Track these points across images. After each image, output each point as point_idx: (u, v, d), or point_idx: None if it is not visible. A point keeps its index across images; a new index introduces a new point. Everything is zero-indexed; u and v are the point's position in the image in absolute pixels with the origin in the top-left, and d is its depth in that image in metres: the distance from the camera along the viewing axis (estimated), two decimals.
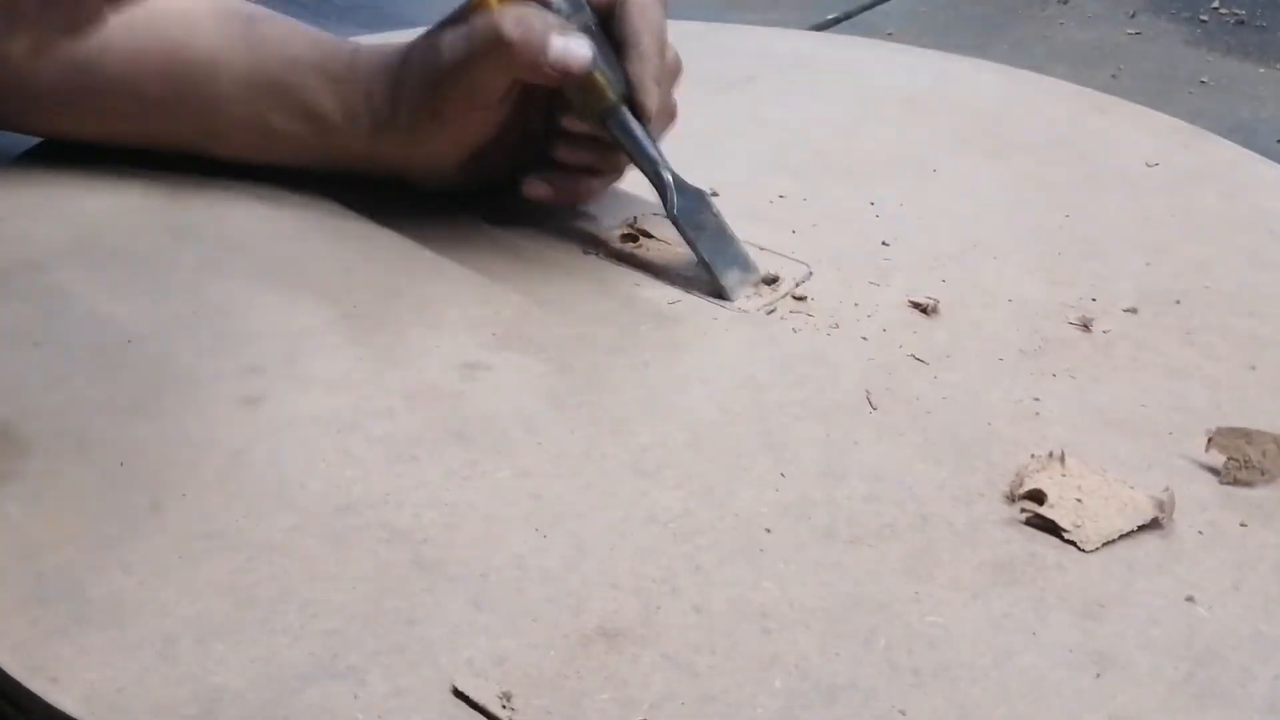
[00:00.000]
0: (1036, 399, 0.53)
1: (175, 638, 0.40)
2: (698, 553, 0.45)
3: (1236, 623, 0.43)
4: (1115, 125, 0.78)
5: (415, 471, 0.48)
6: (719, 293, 0.58)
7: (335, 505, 0.46)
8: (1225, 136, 0.78)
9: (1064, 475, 0.48)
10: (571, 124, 0.60)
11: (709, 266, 0.59)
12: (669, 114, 0.62)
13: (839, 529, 0.46)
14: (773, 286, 0.59)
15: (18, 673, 0.39)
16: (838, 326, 0.57)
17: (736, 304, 0.58)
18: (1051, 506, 0.46)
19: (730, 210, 0.62)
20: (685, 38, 0.86)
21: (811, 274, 0.60)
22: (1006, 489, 0.47)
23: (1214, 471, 0.50)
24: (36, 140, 0.67)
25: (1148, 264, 0.63)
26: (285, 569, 0.43)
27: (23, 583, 0.42)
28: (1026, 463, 0.48)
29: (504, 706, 0.38)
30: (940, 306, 0.58)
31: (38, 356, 0.52)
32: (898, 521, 0.46)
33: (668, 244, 0.61)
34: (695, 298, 0.58)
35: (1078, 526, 0.46)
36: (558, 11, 0.57)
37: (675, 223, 0.59)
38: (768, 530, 0.46)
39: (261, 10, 0.64)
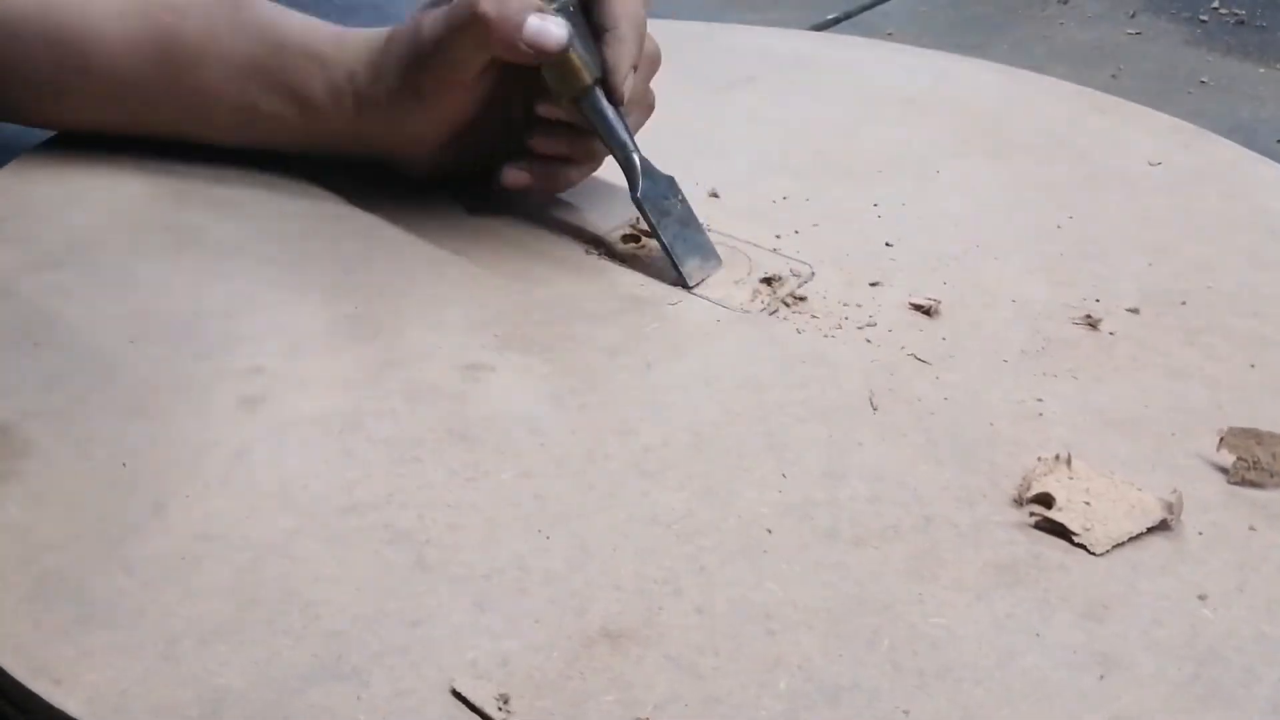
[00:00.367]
0: (1039, 399, 0.53)
1: (178, 639, 0.40)
2: (700, 554, 0.45)
3: (1240, 624, 0.43)
4: (1116, 125, 0.78)
5: (417, 472, 0.47)
6: (678, 280, 0.59)
7: (337, 506, 0.46)
8: (1225, 136, 0.77)
9: (1071, 478, 0.47)
10: (548, 111, 0.61)
11: (669, 251, 0.59)
12: (646, 105, 0.63)
13: (842, 530, 0.46)
14: (775, 287, 0.59)
15: (20, 674, 0.39)
16: (840, 327, 0.57)
17: (739, 304, 0.58)
18: (1060, 510, 0.46)
19: (732, 210, 0.63)
20: (686, 38, 0.87)
21: (814, 274, 0.60)
22: (1015, 493, 0.47)
23: (1221, 470, 0.50)
24: (36, 141, 0.67)
25: (1149, 264, 0.63)
26: (287, 570, 0.43)
27: (24, 584, 0.42)
28: (1033, 466, 0.48)
29: (500, 709, 0.38)
30: (942, 307, 0.58)
31: (39, 357, 0.52)
32: (901, 522, 0.46)
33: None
34: (697, 298, 0.58)
35: (1087, 530, 0.45)
36: None
37: (639, 206, 0.59)
38: (770, 531, 0.46)
39: None
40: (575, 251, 0.61)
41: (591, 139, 0.61)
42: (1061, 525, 0.46)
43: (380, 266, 0.59)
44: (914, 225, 0.65)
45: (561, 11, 0.58)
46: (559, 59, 0.57)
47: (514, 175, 0.62)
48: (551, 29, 0.56)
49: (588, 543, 0.45)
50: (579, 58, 0.58)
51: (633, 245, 0.62)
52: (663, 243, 0.59)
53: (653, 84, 0.63)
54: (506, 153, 0.63)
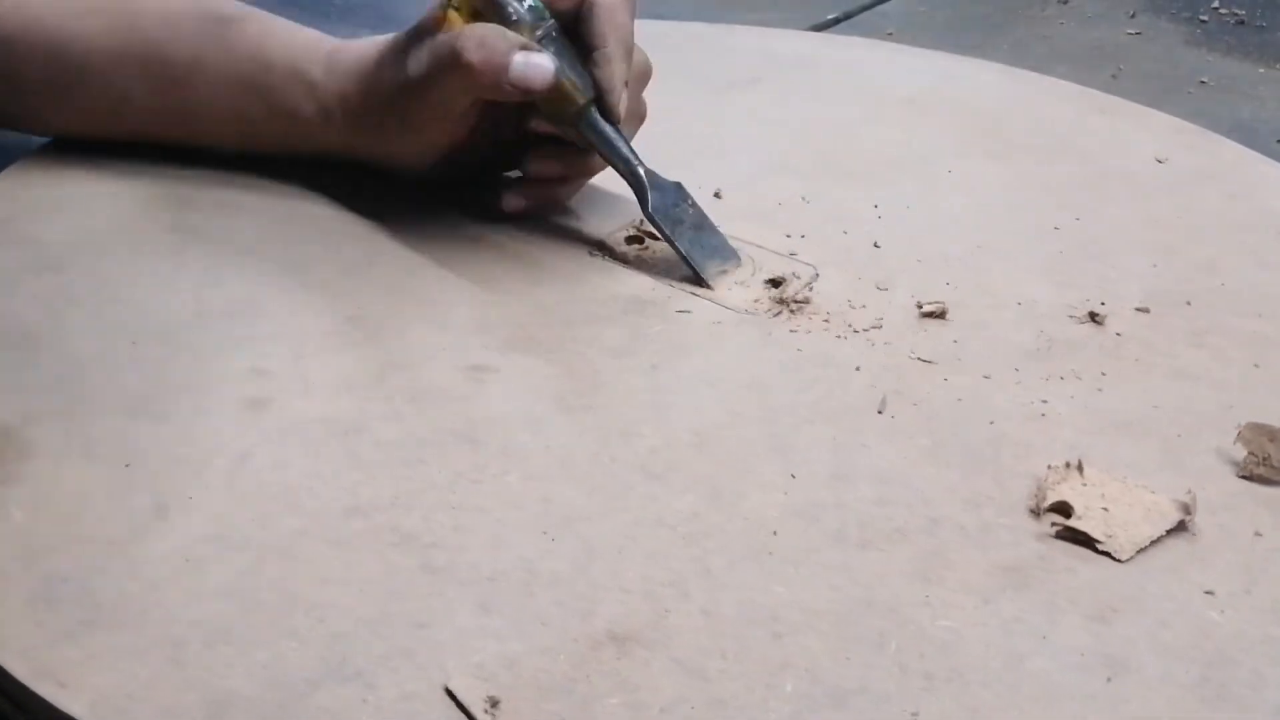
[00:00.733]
0: (1045, 401, 0.53)
1: (183, 642, 0.40)
2: (707, 556, 0.45)
3: (1248, 626, 0.43)
4: (1119, 126, 0.78)
5: (422, 475, 0.47)
6: (700, 282, 0.59)
7: (342, 508, 0.46)
8: (1225, 136, 0.78)
9: (1085, 485, 0.47)
10: (539, 125, 0.61)
11: (686, 259, 0.59)
12: (639, 115, 0.62)
13: (849, 532, 0.46)
14: (779, 289, 0.59)
15: (25, 677, 0.39)
16: (845, 328, 0.57)
17: (744, 306, 0.58)
18: (1080, 518, 0.46)
19: (735, 212, 0.62)
20: (688, 39, 0.87)
21: (818, 275, 0.60)
22: (1030, 503, 0.47)
23: (1233, 464, 0.50)
24: (38, 144, 0.67)
25: (1154, 265, 0.63)
26: (293, 572, 0.43)
27: (29, 586, 0.42)
28: (1045, 474, 0.48)
29: (486, 712, 0.38)
30: (947, 308, 0.58)
31: (43, 358, 0.52)
32: (907, 525, 0.46)
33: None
34: (702, 299, 0.58)
35: (1110, 537, 0.45)
36: (520, 21, 0.57)
37: (651, 220, 0.59)
38: (777, 533, 0.46)
39: (241, 10, 0.64)
40: (579, 253, 0.61)
41: (586, 154, 0.61)
42: (1085, 534, 0.45)
43: (383, 268, 0.59)
44: (917, 226, 0.65)
45: (545, 38, 0.58)
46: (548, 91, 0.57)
47: (513, 202, 0.62)
48: (536, 68, 0.56)
49: (593, 545, 0.45)
50: (569, 82, 0.58)
51: (636, 246, 0.62)
52: (680, 251, 0.59)
53: (653, 85, 0.62)
54: (501, 162, 0.63)
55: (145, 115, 0.64)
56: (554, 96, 0.58)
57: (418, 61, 0.58)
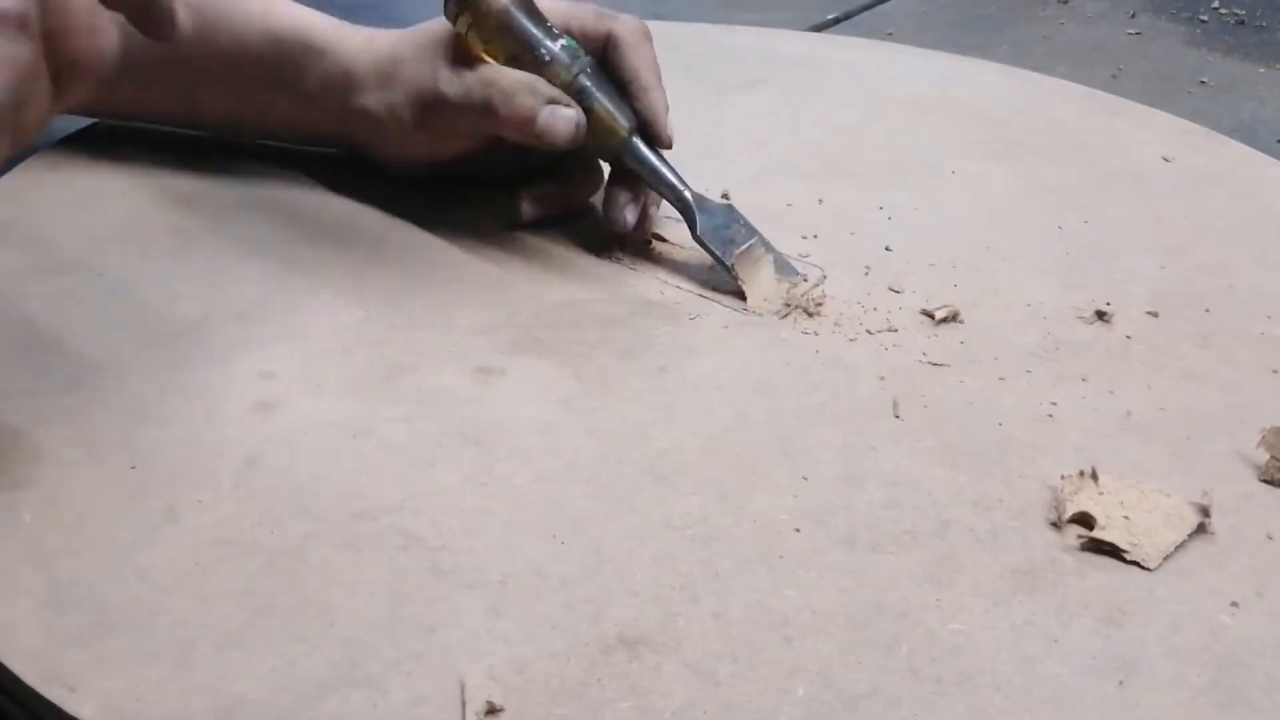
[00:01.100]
0: (1053, 403, 0.53)
1: (192, 645, 0.40)
2: (716, 559, 0.44)
3: (1261, 629, 0.43)
4: (1124, 127, 0.78)
5: (431, 477, 0.47)
6: (752, 307, 0.58)
7: (351, 511, 0.45)
8: (1225, 136, 0.78)
9: (1101, 493, 0.47)
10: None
11: (739, 280, 0.59)
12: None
13: (859, 535, 0.46)
14: (787, 291, 0.59)
15: (35, 681, 0.39)
16: (853, 330, 0.57)
17: (751, 308, 0.58)
18: (1103, 529, 0.45)
19: (743, 214, 0.62)
20: (692, 40, 0.87)
21: (825, 277, 0.60)
22: (1052, 515, 0.47)
23: (1247, 465, 0.50)
24: (42, 145, 0.67)
25: (1162, 267, 0.63)
26: (302, 576, 0.43)
27: (38, 590, 0.42)
28: (1060, 485, 0.48)
29: (478, 715, 0.38)
30: (955, 310, 0.58)
31: (49, 362, 0.52)
32: (918, 528, 0.46)
33: (682, 247, 0.61)
34: (710, 301, 0.58)
35: (1135, 545, 0.45)
36: (554, 62, 0.58)
37: (700, 243, 0.59)
38: (787, 537, 0.45)
39: None
40: (587, 255, 0.61)
41: (585, 176, 0.63)
42: (1112, 545, 0.45)
43: (391, 270, 0.59)
44: (924, 228, 0.65)
45: (582, 73, 0.58)
46: (590, 125, 0.58)
47: (530, 212, 0.63)
48: (563, 120, 0.57)
49: (603, 548, 0.45)
50: (609, 114, 0.58)
51: (644, 248, 0.61)
52: (732, 273, 0.59)
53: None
54: (506, 161, 0.63)
55: (145, 82, 0.63)
56: (597, 130, 0.58)
57: (450, 84, 0.58)
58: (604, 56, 0.60)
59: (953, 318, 0.57)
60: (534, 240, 0.62)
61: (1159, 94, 1.07)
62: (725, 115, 0.77)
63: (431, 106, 0.59)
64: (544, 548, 0.44)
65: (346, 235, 0.61)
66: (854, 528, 0.46)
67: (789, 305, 0.58)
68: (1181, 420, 0.52)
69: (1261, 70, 1.17)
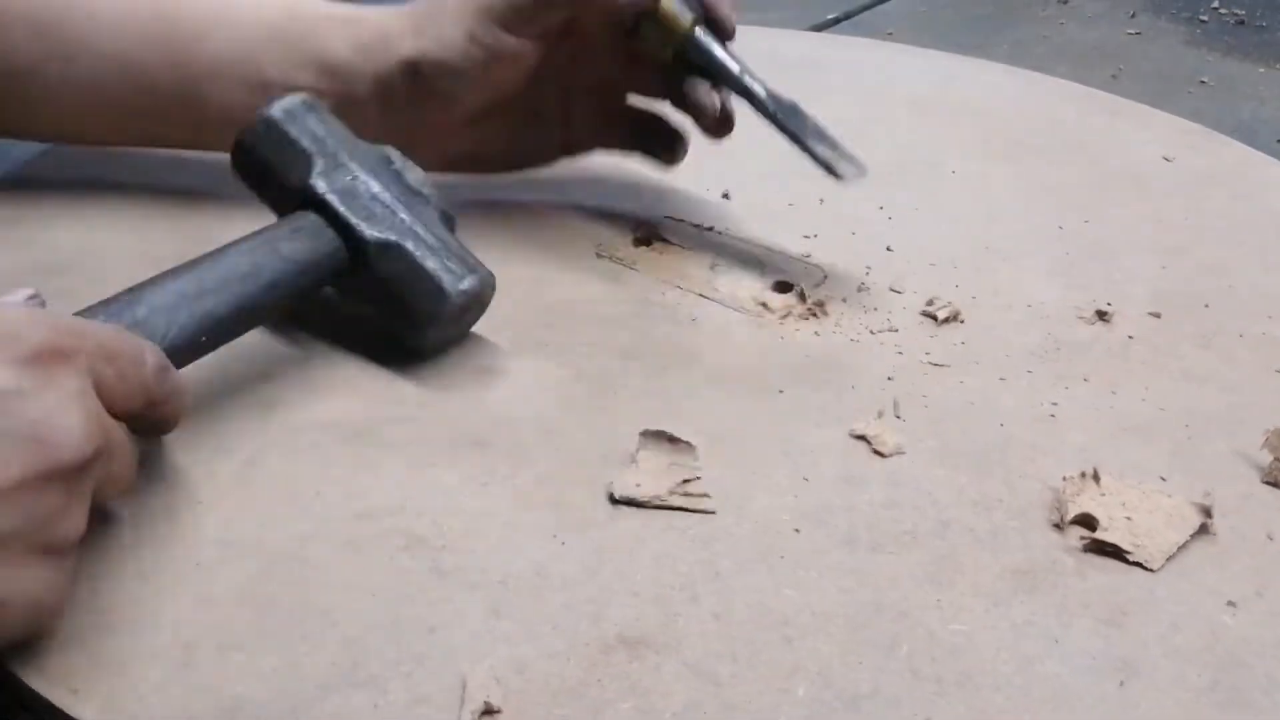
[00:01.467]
0: (1054, 404, 0.53)
1: (194, 646, 0.40)
2: (717, 559, 0.44)
3: (1260, 629, 0.43)
4: (1125, 127, 0.78)
5: (431, 478, 0.47)
6: (833, 174, 0.59)
7: (352, 512, 0.45)
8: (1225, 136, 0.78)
9: (1103, 494, 0.47)
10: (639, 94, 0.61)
11: (814, 155, 0.59)
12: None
13: (859, 536, 0.46)
14: (788, 291, 0.59)
15: (37, 683, 0.39)
16: (854, 330, 0.57)
17: (753, 308, 0.58)
18: (1105, 530, 0.45)
19: (744, 213, 0.62)
20: None
21: (826, 277, 0.60)
22: (1054, 517, 0.47)
23: (1250, 466, 0.50)
24: (41, 148, 0.67)
25: (1163, 267, 0.63)
26: (303, 577, 0.43)
27: None
28: (1061, 486, 0.48)
29: (474, 714, 0.38)
30: (956, 311, 0.58)
31: None
32: (918, 528, 0.46)
33: (681, 247, 0.61)
34: (710, 301, 0.58)
35: (1138, 546, 0.45)
36: None
37: (775, 120, 0.59)
38: (787, 537, 0.45)
39: None
40: (587, 254, 0.61)
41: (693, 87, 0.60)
42: (1115, 546, 0.45)
43: None
44: (927, 228, 0.65)
45: None
46: (657, 11, 0.58)
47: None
48: None
49: (604, 549, 0.45)
50: (674, 4, 0.58)
51: (644, 248, 0.61)
52: (808, 148, 0.59)
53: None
54: (520, 152, 0.63)
55: (149, 88, 0.60)
56: (660, 23, 0.58)
57: None
58: None
59: (954, 318, 0.57)
60: (534, 240, 0.62)
61: (1159, 94, 1.07)
62: None
63: (507, 15, 0.57)
64: (545, 548, 0.44)
65: None
66: (854, 528, 0.46)
67: (791, 305, 0.58)
68: (1182, 420, 0.52)
69: (1261, 70, 1.17)
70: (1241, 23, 1.27)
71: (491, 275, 0.53)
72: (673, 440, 0.48)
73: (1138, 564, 0.45)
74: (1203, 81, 1.15)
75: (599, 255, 0.61)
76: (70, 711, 0.38)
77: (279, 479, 0.47)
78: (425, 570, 0.43)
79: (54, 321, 0.39)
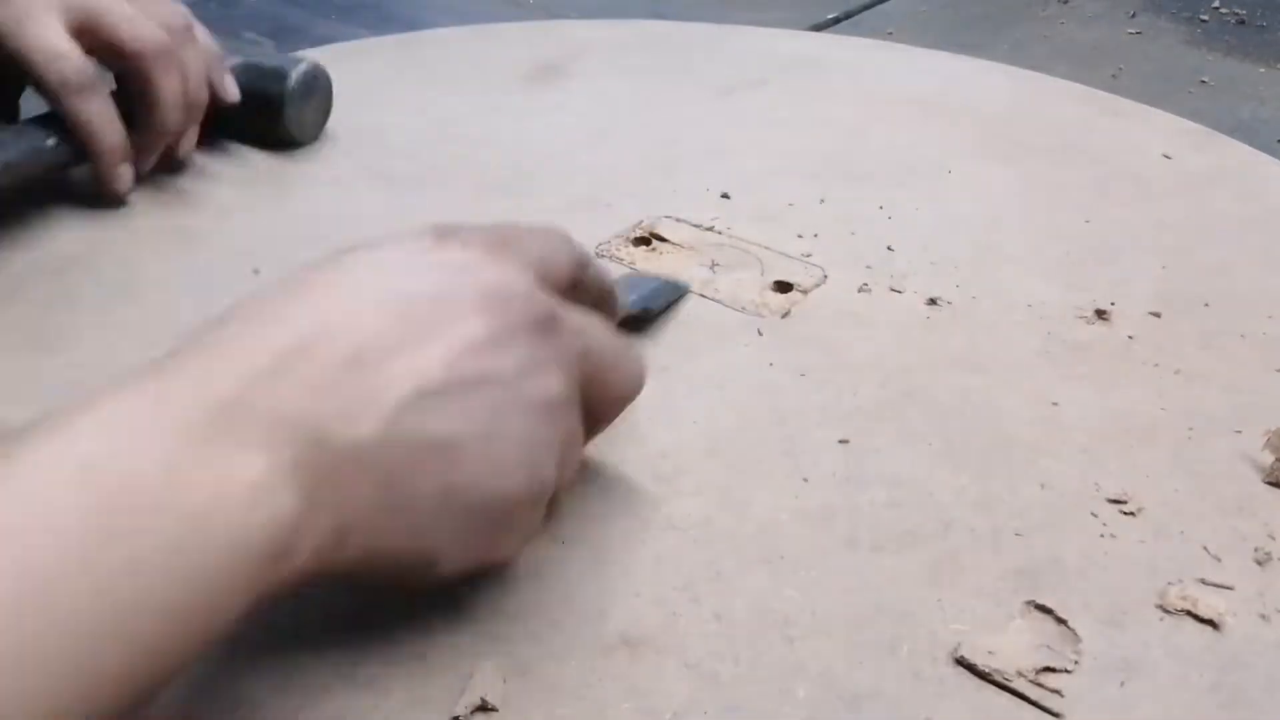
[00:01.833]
0: (1055, 404, 0.53)
1: None
2: (718, 560, 0.44)
3: (1262, 630, 0.43)
4: (1127, 127, 0.78)
5: None
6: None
7: None
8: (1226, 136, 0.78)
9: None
10: None
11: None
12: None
13: (860, 536, 0.46)
14: (788, 291, 0.59)
15: None
16: (854, 331, 0.57)
17: (753, 308, 0.58)
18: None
19: (743, 213, 0.62)
20: (692, 40, 0.87)
21: (826, 277, 0.60)
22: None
23: (1253, 466, 0.50)
24: None
25: (1163, 267, 0.63)
26: None
27: None
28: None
29: (467, 708, 0.38)
30: (957, 310, 0.58)
31: (49, 362, 0.52)
32: (919, 528, 0.46)
33: (681, 247, 0.61)
34: (710, 301, 0.58)
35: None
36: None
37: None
38: (788, 537, 0.45)
39: None
40: None
41: None
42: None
43: None
44: (927, 228, 0.65)
45: None
46: None
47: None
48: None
49: (604, 549, 0.44)
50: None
51: (644, 248, 0.61)
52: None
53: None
54: None
55: None
56: None
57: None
58: None
59: (949, 314, 0.57)
60: None
61: (1159, 93, 1.07)
62: (729, 115, 0.77)
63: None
64: (545, 550, 0.44)
65: (342, 236, 0.61)
66: (855, 528, 0.46)
67: (791, 305, 0.58)
68: (1183, 421, 0.52)
69: (1261, 70, 1.17)
70: (1242, 22, 1.27)
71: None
72: (1060, 622, 0.43)
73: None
74: (1203, 81, 1.15)
75: (599, 255, 0.61)
76: None
77: None
78: None
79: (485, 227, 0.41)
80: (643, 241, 0.62)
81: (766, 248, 0.62)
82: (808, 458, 0.49)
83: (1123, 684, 0.40)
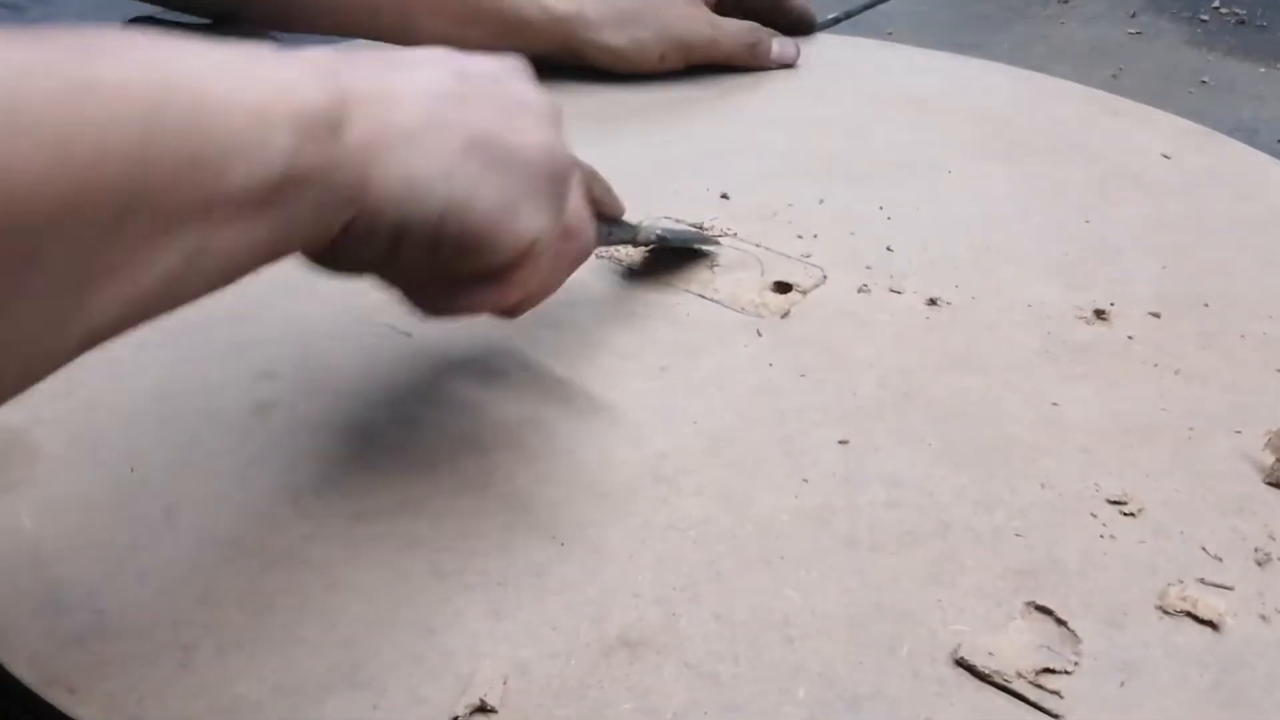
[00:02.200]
0: (1055, 404, 0.53)
1: (194, 647, 0.40)
2: (718, 560, 0.44)
3: (1262, 629, 0.43)
4: (1124, 127, 0.78)
5: (431, 479, 0.47)
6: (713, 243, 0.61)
7: (351, 513, 0.45)
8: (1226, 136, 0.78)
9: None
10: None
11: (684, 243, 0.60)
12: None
13: (860, 536, 0.46)
14: (788, 291, 0.59)
15: (35, 684, 0.38)
16: (854, 331, 0.57)
17: (753, 308, 0.58)
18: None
19: (743, 213, 0.62)
20: None
21: (826, 277, 0.60)
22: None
23: (1252, 466, 0.50)
24: None
25: (1164, 267, 0.63)
26: (302, 578, 0.43)
27: (38, 592, 0.42)
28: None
29: (467, 708, 0.38)
30: (957, 311, 0.58)
31: None
32: (919, 528, 0.46)
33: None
34: (710, 301, 0.58)
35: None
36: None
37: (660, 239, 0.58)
38: (788, 537, 0.45)
39: None
40: None
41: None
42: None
43: None
44: (927, 228, 0.65)
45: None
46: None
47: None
48: (791, 52, 0.84)
49: (604, 550, 0.44)
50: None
51: (644, 249, 0.61)
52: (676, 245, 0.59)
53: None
54: None
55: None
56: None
57: (730, 41, 0.82)
58: None
59: (949, 314, 0.57)
60: None
61: (1159, 94, 1.07)
62: (729, 115, 0.77)
63: (693, 46, 0.79)
64: (545, 549, 0.44)
65: None
66: (855, 528, 0.46)
67: (790, 305, 0.58)
68: (1183, 421, 0.52)
69: (1261, 70, 1.17)
70: (1242, 22, 1.27)
71: None
72: (1060, 623, 0.43)
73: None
74: (1203, 81, 1.14)
75: (599, 255, 0.61)
76: (70, 712, 0.38)
77: (278, 479, 0.47)
78: (425, 571, 0.43)
79: None
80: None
81: (766, 248, 0.62)
82: (807, 458, 0.49)
83: (1123, 684, 0.40)
